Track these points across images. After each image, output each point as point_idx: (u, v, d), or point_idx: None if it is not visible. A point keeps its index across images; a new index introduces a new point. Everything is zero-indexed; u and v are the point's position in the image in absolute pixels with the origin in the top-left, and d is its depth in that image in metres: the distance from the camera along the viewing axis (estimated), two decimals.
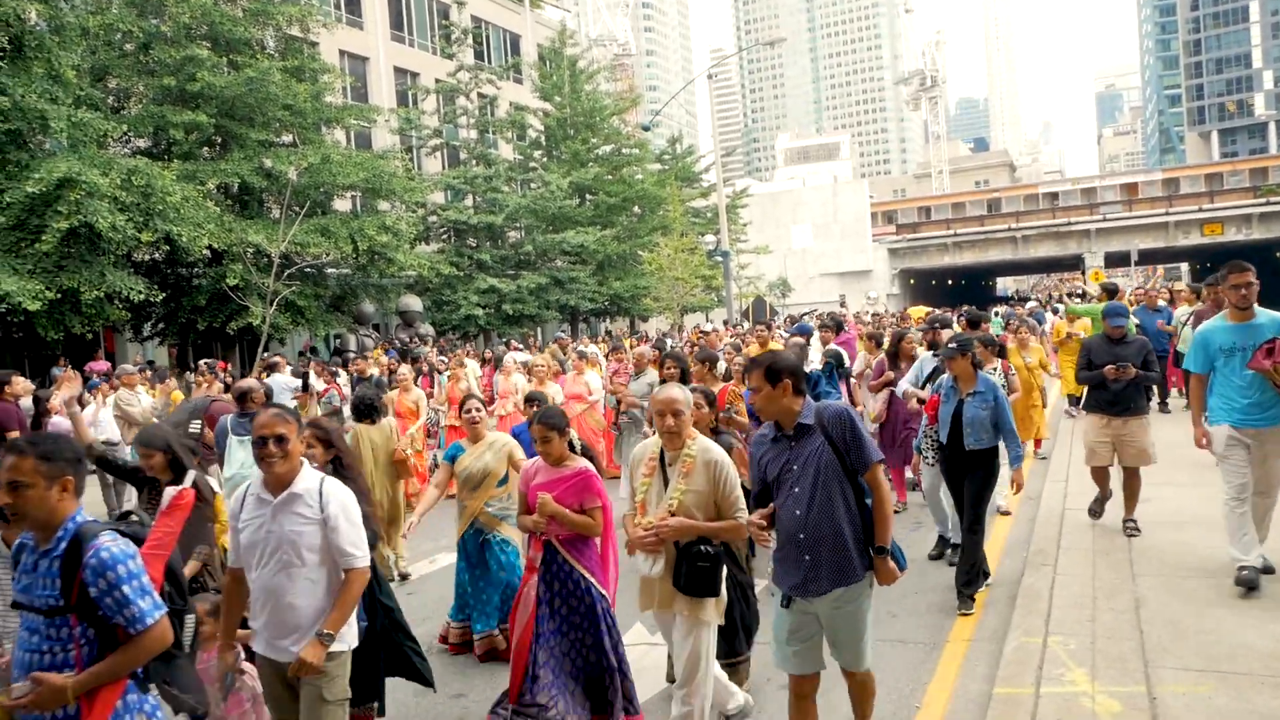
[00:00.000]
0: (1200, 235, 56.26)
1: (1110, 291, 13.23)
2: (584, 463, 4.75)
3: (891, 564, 3.76)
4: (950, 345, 6.40)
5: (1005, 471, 8.09)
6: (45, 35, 17.50)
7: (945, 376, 6.49)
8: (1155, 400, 12.51)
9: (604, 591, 4.71)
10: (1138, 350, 7.04)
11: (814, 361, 9.09)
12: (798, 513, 3.73)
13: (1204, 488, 8.14)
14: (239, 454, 6.70)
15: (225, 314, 20.96)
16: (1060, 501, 8.13)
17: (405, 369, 12.03)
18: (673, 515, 3.99)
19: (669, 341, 18.49)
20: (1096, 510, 7.39)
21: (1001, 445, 6.19)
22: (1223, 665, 4.58)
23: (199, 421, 7.81)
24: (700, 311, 35.95)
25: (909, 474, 9.09)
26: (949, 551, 7.23)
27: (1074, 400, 12.67)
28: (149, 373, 12.22)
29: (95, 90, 20.05)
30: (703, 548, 3.94)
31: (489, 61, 37.93)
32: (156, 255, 20.98)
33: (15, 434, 9.37)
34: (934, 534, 7.58)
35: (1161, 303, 12.98)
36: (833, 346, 10.08)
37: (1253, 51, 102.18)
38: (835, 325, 12.88)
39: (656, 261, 32.03)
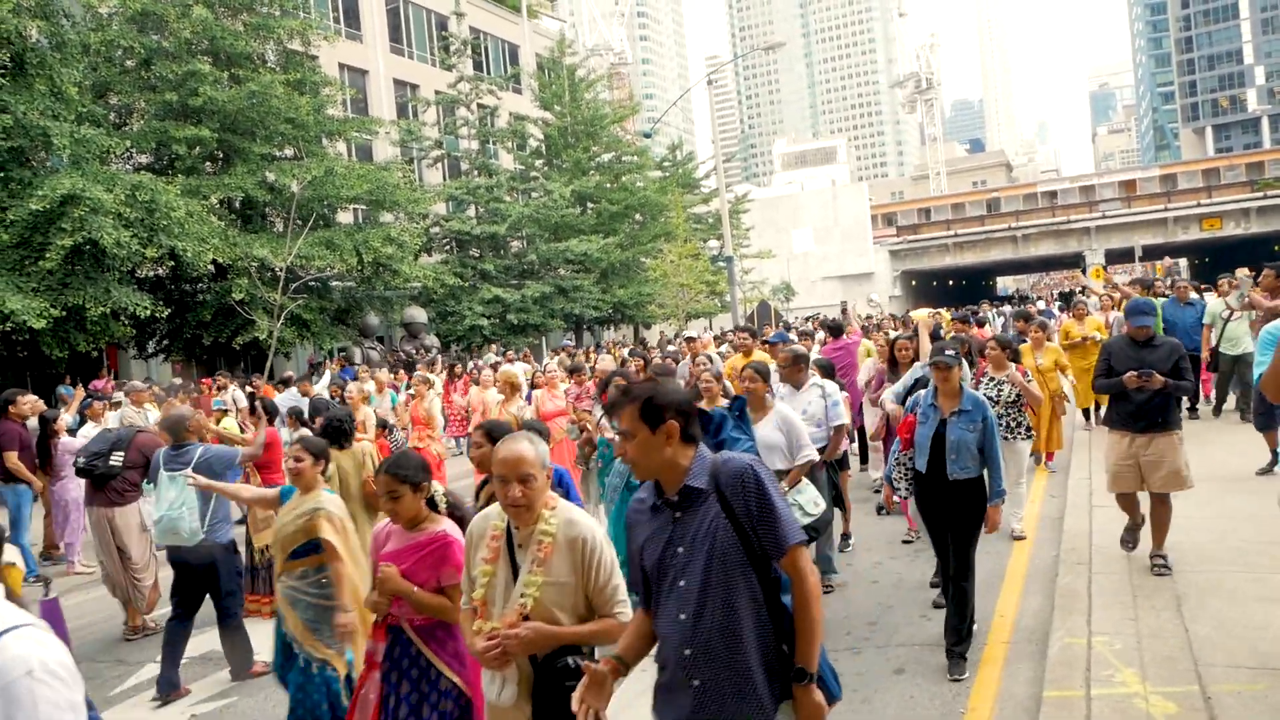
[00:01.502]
0: (1199, 230, 56.28)
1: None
2: (446, 525, 3.65)
3: (818, 694, 2.56)
4: (945, 353, 5.39)
5: (1021, 484, 7.71)
6: (47, 52, 17.48)
7: (923, 392, 5.59)
8: (1185, 406, 11.55)
9: (470, 695, 3.52)
10: (1167, 354, 5.94)
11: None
12: (682, 617, 2.59)
13: (1237, 483, 8.06)
14: (169, 492, 5.90)
15: (231, 329, 20.93)
16: (1087, 498, 8.04)
17: (354, 386, 10.93)
18: (526, 619, 2.87)
19: (656, 355, 15.93)
20: (1129, 540, 6.40)
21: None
22: (1275, 662, 4.48)
23: (120, 454, 7.10)
24: (705, 317, 35.93)
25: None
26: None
27: (1087, 414, 11.77)
28: (158, 389, 12.20)
29: (97, 106, 20.04)
30: (569, 660, 2.87)
31: (488, 72, 37.97)
32: (161, 271, 20.94)
33: (13, 454, 9.16)
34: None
35: (1194, 295, 11.62)
36: (797, 349, 8.90)
37: (1244, 47, 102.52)
38: (834, 328, 11.96)
39: (660, 268, 32.03)
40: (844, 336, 11.57)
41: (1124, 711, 4.14)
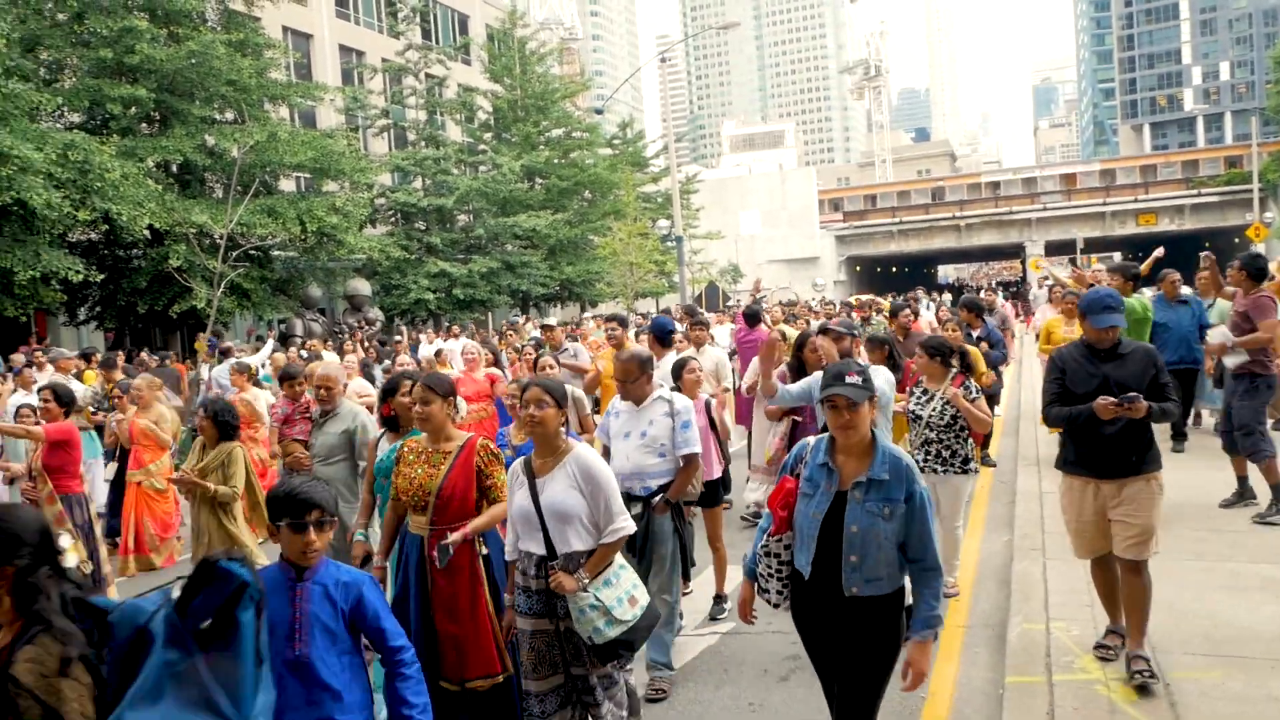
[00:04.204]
0: (1135, 225, 57.84)
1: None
2: None
3: None
4: (845, 380, 3.18)
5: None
6: None
7: (812, 441, 3.40)
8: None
9: None
10: (1141, 367, 4.27)
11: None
12: None
13: (1179, 471, 8.24)
14: None
15: (167, 297, 20.25)
16: (1037, 484, 8.16)
17: (139, 381, 8.51)
18: None
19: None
20: (1108, 648, 4.52)
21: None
22: (1227, 649, 4.57)
23: None
24: (653, 297, 35.84)
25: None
26: None
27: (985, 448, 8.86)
28: (98, 357, 11.79)
29: (26, 61, 19.09)
30: None
31: (437, 41, 37.20)
32: (94, 235, 20.18)
33: None
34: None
35: (1185, 290, 8.98)
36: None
37: (1182, 48, 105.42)
38: (750, 316, 10.00)
39: (610, 246, 31.85)
40: (760, 327, 9.75)
41: (1086, 698, 4.17)
